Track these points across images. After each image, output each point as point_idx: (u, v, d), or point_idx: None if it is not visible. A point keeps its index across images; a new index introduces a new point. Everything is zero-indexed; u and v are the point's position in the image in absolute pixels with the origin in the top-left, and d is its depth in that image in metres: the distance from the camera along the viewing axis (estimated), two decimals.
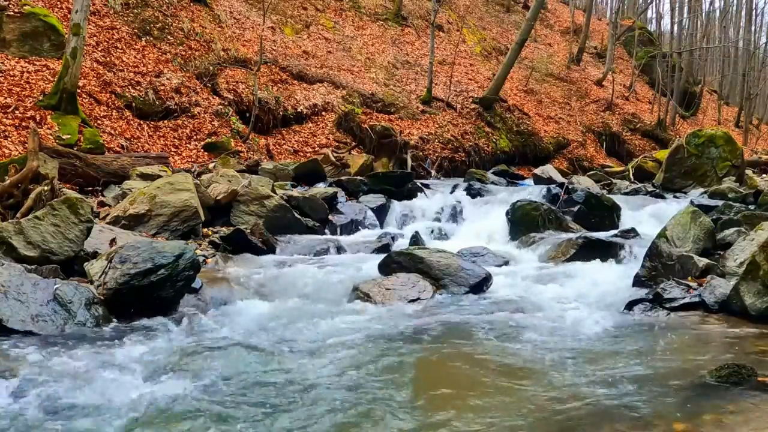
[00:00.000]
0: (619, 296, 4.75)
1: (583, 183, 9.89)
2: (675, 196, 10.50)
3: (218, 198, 7.01)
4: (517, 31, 20.44)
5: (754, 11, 36.67)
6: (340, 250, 6.42)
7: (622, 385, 3.02)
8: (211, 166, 9.93)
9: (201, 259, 4.97)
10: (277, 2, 17.47)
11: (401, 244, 6.68)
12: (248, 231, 6.29)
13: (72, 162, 7.63)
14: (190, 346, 3.55)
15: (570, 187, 9.24)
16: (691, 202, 8.04)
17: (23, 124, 8.65)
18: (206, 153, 11.39)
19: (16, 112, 8.83)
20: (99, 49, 11.78)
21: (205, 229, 6.57)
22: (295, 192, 8.34)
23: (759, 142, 29.40)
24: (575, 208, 7.94)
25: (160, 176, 7.49)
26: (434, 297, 4.78)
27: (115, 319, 3.94)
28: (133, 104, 11.23)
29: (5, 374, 2.96)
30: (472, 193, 9.97)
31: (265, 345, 3.61)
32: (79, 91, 9.76)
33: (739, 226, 6.23)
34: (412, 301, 4.64)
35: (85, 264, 4.54)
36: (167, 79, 12.36)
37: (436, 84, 17.73)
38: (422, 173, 14.25)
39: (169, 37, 13.62)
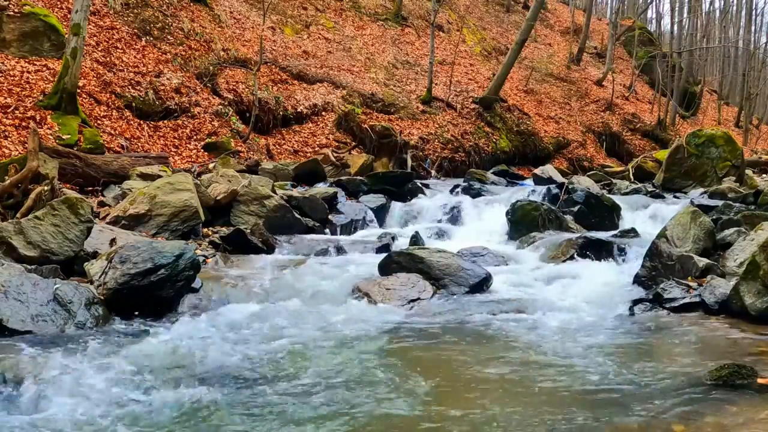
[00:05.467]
0: (619, 296, 4.75)
1: (583, 183, 9.87)
2: (675, 196, 10.49)
3: (218, 198, 7.01)
4: (517, 31, 20.44)
5: (754, 11, 36.71)
6: (340, 250, 6.42)
7: (622, 385, 3.02)
8: (211, 166, 9.92)
9: (201, 259, 4.97)
10: (277, 2, 17.46)
11: (401, 244, 6.67)
12: (248, 231, 6.28)
13: (72, 162, 7.62)
14: (190, 345, 3.55)
15: (570, 187, 9.23)
16: (691, 202, 8.04)
17: (23, 124, 8.64)
18: (206, 153, 11.38)
19: (16, 112, 8.83)
20: (99, 49, 11.77)
21: (205, 229, 6.57)
22: (295, 192, 8.33)
23: (759, 142, 29.39)
24: (575, 208, 7.94)
25: (160, 176, 7.48)
26: (434, 297, 4.78)
27: (115, 319, 3.94)
28: (133, 104, 11.23)
29: (5, 375, 2.96)
30: (472, 193, 9.97)
31: (265, 345, 3.61)
32: (79, 91, 9.75)
33: (739, 226, 6.23)
34: (413, 301, 4.64)
35: (85, 264, 4.54)
36: (167, 79, 12.36)
37: (436, 84, 17.73)
38: (422, 173, 14.25)
39: (169, 37, 13.62)
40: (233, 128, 12.61)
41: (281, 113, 14.14)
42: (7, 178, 5.76)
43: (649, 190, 11.09)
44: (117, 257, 4.20)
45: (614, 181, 12.36)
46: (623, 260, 5.96)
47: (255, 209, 7.08)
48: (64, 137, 8.74)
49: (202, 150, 11.46)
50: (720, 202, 8.21)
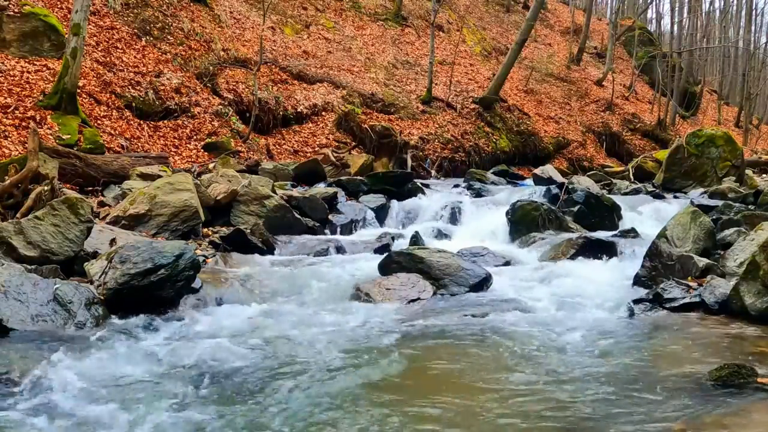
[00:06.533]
0: (619, 296, 4.76)
1: (583, 183, 9.87)
2: (675, 196, 10.50)
3: (218, 198, 7.01)
4: (517, 31, 20.44)
5: (754, 11, 36.67)
6: (340, 250, 6.42)
7: (622, 385, 3.01)
8: (211, 166, 9.92)
9: (201, 259, 4.97)
10: (277, 2, 17.46)
11: (401, 244, 6.67)
12: (248, 231, 6.28)
13: (72, 162, 7.62)
14: (190, 345, 3.54)
15: (570, 187, 9.23)
16: (691, 202, 8.04)
17: (23, 124, 8.64)
18: (206, 153, 11.38)
19: (16, 112, 8.83)
20: (99, 49, 11.77)
21: (205, 229, 6.57)
22: (295, 192, 8.33)
23: (759, 142, 29.38)
24: (575, 208, 7.94)
25: (160, 176, 7.48)
26: (434, 297, 4.78)
27: (115, 319, 3.94)
28: (133, 104, 11.23)
29: (5, 375, 2.96)
30: (472, 193, 9.97)
31: (265, 345, 3.61)
32: (79, 91, 9.75)
33: (739, 226, 6.23)
34: (412, 301, 4.64)
35: (85, 264, 4.54)
36: (167, 79, 12.36)
37: (436, 84, 17.72)
38: (422, 173, 14.25)
39: (169, 37, 13.62)
40: (233, 128, 12.61)
41: (281, 113, 14.14)
42: (7, 178, 5.76)
43: (649, 190, 11.10)
44: (117, 257, 4.20)
45: (614, 181, 12.37)
46: (623, 260, 5.97)
47: (255, 209, 7.08)
48: (64, 137, 8.74)
49: (202, 150, 11.46)
50: (720, 202, 8.21)
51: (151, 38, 13.19)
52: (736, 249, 5.12)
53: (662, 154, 13.98)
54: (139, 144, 10.49)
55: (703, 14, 35.78)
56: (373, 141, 13.81)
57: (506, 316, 4.33)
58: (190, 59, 13.49)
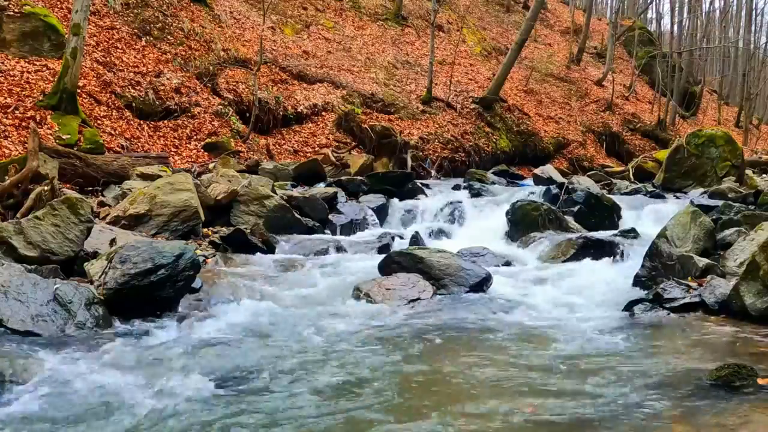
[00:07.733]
0: (619, 296, 4.76)
1: (583, 183, 9.88)
2: (675, 196, 10.50)
3: (218, 198, 7.01)
4: (517, 31, 20.43)
5: (754, 11, 36.66)
6: (340, 250, 6.42)
7: (622, 386, 3.01)
8: (211, 166, 9.92)
9: (201, 259, 4.97)
10: (277, 2, 17.46)
11: (401, 244, 6.68)
12: (248, 231, 6.29)
13: (72, 162, 7.62)
14: (190, 345, 3.54)
15: (570, 187, 9.24)
16: (691, 202, 8.03)
17: (23, 124, 8.64)
18: (206, 153, 11.38)
19: (16, 112, 8.83)
20: (99, 49, 11.77)
21: (205, 229, 6.57)
22: (295, 192, 8.34)
23: (759, 142, 29.37)
24: (575, 208, 7.94)
25: (160, 176, 7.48)
26: (434, 297, 4.78)
27: (115, 319, 3.94)
28: (133, 104, 11.23)
29: (5, 375, 2.95)
30: (472, 193, 9.97)
31: (264, 345, 3.61)
32: (79, 91, 9.75)
33: (739, 226, 6.23)
34: (412, 301, 4.64)
35: (85, 264, 4.54)
36: (167, 79, 12.35)
37: (436, 84, 17.71)
38: (422, 173, 14.24)
39: (169, 37, 13.62)
40: (233, 128, 12.61)
41: (281, 113, 14.13)
42: (7, 178, 5.76)
43: (649, 190, 11.10)
44: (117, 257, 4.20)
45: (614, 181, 12.37)
46: (623, 260, 5.97)
47: (255, 209, 7.08)
48: (64, 137, 8.74)
49: (202, 150, 11.45)
50: (720, 202, 8.21)
51: (151, 38, 13.19)
52: (736, 249, 5.12)
53: (662, 154, 13.99)
54: (139, 144, 10.49)
55: (703, 14, 35.79)
56: (373, 141, 13.81)
57: (506, 316, 4.33)
58: (190, 59, 13.49)
